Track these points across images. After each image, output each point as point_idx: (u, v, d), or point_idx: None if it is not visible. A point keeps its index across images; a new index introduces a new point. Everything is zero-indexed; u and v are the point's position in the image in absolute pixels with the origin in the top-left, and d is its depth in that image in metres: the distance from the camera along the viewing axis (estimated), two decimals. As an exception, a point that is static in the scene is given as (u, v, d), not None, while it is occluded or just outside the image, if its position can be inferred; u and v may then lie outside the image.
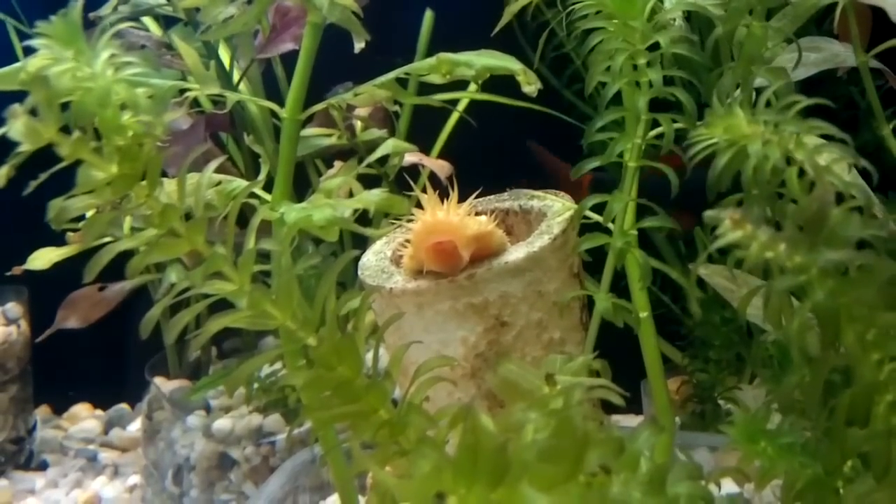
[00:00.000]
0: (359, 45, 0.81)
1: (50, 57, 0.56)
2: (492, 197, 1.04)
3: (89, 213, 0.62)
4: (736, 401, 1.29)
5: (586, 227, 0.94)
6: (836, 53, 0.99)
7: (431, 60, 0.79)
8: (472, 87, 1.40)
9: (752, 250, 0.44)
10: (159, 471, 1.36)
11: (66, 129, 0.58)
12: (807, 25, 1.05)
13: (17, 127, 0.55)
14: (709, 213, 0.47)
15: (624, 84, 0.85)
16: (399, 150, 1.14)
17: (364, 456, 0.57)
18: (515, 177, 1.06)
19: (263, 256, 0.65)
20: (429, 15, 1.40)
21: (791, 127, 0.52)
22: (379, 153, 1.14)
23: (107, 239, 0.62)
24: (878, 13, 0.96)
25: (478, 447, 0.41)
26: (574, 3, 0.84)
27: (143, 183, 0.60)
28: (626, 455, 0.50)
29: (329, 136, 1.27)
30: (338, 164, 1.27)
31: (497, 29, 1.01)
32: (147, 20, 1.37)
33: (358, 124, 1.27)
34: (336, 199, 0.66)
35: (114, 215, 0.60)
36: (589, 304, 0.97)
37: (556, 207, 0.99)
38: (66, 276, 1.28)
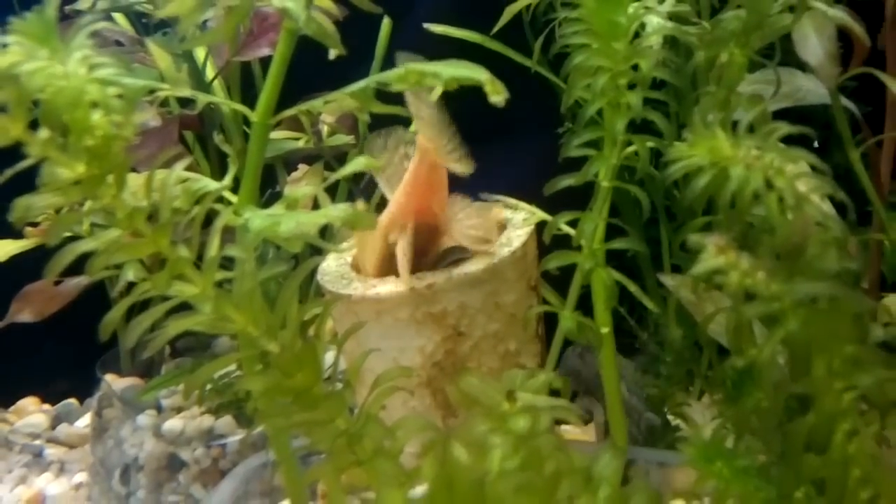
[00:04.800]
0: (333, 54, 0.81)
1: (22, 53, 0.55)
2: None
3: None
4: (685, 416, 1.30)
5: (557, 239, 0.94)
6: (799, 88, 1.00)
7: (399, 70, 0.78)
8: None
9: (733, 278, 0.44)
10: (106, 469, 1.34)
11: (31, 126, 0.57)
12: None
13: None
14: (693, 238, 0.47)
15: (605, 104, 0.86)
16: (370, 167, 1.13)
17: (321, 466, 0.57)
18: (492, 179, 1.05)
19: (223, 258, 0.64)
20: (386, 22, 1.38)
21: (772, 154, 0.53)
22: (349, 170, 1.13)
23: (67, 235, 0.61)
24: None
25: (453, 484, 0.41)
26: (563, 18, 0.84)
27: (110, 182, 0.59)
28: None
29: (296, 139, 1.26)
30: (302, 167, 1.26)
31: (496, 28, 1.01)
32: (117, 16, 1.36)
33: (325, 128, 1.27)
34: (301, 210, 0.65)
35: (81, 215, 0.59)
36: (546, 317, 0.98)
37: (517, 219, 0.99)
38: (20, 268, 1.26)
